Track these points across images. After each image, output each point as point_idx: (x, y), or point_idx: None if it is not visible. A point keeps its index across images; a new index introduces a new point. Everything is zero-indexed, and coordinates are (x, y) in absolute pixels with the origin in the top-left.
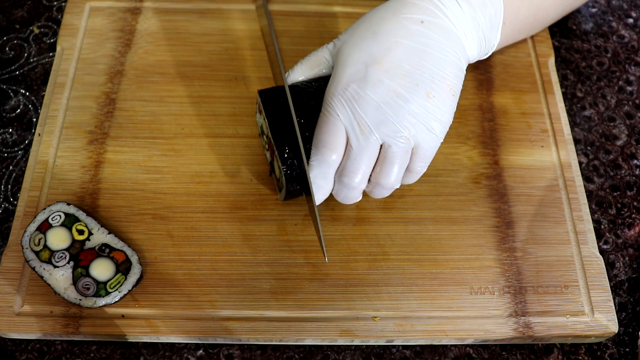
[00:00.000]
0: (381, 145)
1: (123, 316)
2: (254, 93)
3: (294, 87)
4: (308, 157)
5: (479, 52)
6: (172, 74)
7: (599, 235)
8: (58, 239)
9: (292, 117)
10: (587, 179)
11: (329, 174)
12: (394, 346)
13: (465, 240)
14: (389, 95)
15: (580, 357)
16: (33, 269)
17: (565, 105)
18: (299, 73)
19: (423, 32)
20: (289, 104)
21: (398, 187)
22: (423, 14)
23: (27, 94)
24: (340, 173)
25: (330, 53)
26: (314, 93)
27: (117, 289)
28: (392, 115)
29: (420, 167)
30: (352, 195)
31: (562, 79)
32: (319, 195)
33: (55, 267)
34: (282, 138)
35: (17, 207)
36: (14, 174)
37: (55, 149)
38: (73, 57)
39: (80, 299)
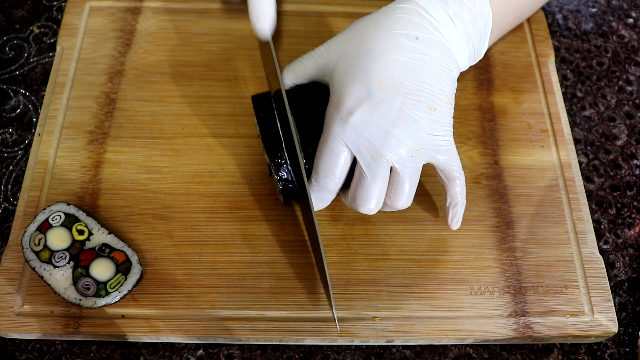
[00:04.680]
0: (391, 168)
1: (123, 316)
2: (254, 93)
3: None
4: (303, 167)
5: (468, 62)
6: (172, 74)
7: (599, 235)
8: (58, 239)
9: (292, 134)
10: (587, 179)
11: (328, 198)
12: (394, 346)
13: (465, 240)
14: (394, 115)
15: (580, 357)
16: (33, 269)
17: (565, 105)
18: (286, 81)
19: (418, 48)
20: (291, 128)
21: (410, 205)
22: (417, 30)
23: (27, 94)
24: (354, 200)
25: (318, 64)
26: (307, 97)
27: (117, 289)
28: (400, 135)
29: (457, 172)
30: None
31: (562, 79)
32: (315, 209)
33: (55, 267)
34: (273, 148)
35: (17, 207)
36: (14, 174)
37: (55, 149)
38: (73, 57)
39: (80, 299)
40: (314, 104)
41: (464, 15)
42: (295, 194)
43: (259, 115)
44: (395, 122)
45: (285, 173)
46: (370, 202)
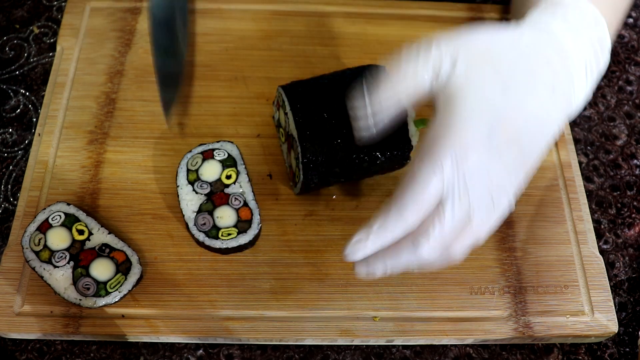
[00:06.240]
0: None
1: (123, 316)
2: (254, 93)
3: (308, 81)
4: (331, 153)
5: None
6: None
7: (599, 235)
8: (58, 239)
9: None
10: (587, 179)
11: (397, 234)
12: (394, 346)
13: None
14: (504, 172)
15: (580, 357)
16: (33, 269)
17: None
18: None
19: (551, 102)
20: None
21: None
22: (556, 80)
23: (27, 94)
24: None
25: (434, 69)
26: (306, 92)
27: (117, 289)
28: (496, 196)
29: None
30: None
31: None
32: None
33: (55, 267)
34: (305, 132)
35: (17, 207)
36: (14, 174)
37: (55, 149)
38: (73, 57)
39: (80, 299)
40: (312, 99)
41: (597, 66)
42: (317, 179)
43: (293, 104)
44: (498, 184)
45: (307, 160)
46: (430, 245)
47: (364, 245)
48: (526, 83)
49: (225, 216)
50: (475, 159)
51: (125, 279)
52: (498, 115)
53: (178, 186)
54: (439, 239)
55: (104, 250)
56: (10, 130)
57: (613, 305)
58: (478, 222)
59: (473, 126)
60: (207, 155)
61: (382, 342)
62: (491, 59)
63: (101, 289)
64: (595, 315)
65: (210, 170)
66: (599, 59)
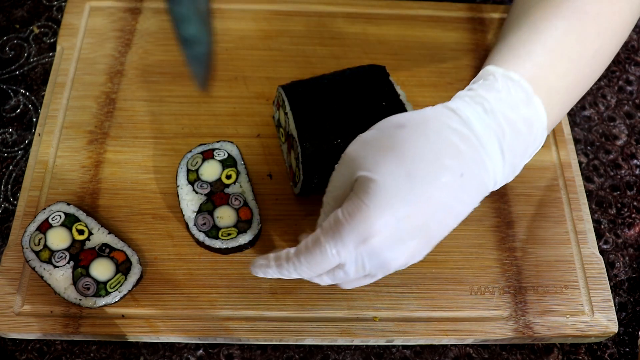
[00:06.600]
0: None
1: (123, 316)
2: (254, 93)
3: (308, 81)
4: (331, 152)
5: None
6: (172, 74)
7: (599, 235)
8: (58, 239)
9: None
10: (587, 178)
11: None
12: (394, 346)
13: (465, 240)
14: (405, 256)
15: (580, 357)
16: (33, 269)
17: None
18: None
19: (459, 187)
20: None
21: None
22: (464, 165)
23: (27, 93)
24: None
25: (346, 166)
26: (306, 92)
27: (117, 289)
28: (393, 269)
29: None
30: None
31: None
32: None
33: (55, 267)
34: (305, 132)
35: (17, 207)
36: (14, 174)
37: (55, 149)
38: (73, 57)
39: (80, 299)
40: (312, 99)
41: (518, 147)
42: (317, 178)
43: (291, 102)
44: (402, 264)
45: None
46: (326, 283)
47: (265, 271)
48: (431, 172)
49: (225, 216)
50: (377, 244)
51: (125, 279)
52: (403, 206)
53: (178, 186)
54: (333, 283)
55: (104, 250)
56: (10, 130)
57: (613, 305)
58: (373, 279)
59: (377, 215)
60: (207, 155)
61: (382, 342)
62: (395, 151)
63: (101, 289)
64: (595, 315)
65: (210, 170)
66: (524, 139)
